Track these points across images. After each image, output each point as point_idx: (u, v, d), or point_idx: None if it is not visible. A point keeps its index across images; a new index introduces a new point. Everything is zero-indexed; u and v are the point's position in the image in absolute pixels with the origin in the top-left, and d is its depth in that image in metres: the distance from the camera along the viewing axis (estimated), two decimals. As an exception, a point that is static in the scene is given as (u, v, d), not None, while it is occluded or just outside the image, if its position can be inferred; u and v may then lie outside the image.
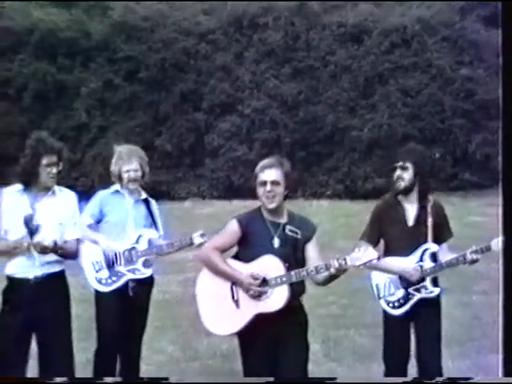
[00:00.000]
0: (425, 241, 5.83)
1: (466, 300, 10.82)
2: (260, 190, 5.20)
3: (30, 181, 5.62)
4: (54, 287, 5.69)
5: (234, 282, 5.09)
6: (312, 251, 5.24)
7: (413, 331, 5.97)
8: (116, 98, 34.51)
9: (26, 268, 5.59)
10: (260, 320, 5.03)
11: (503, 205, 4.55)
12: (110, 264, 6.40)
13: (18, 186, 5.69)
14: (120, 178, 6.66)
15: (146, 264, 6.54)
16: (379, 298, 5.95)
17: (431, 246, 5.84)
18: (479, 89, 33.34)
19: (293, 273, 5.00)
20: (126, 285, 6.55)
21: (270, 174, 5.18)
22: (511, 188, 4.57)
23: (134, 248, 6.48)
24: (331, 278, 5.04)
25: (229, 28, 35.31)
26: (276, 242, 5.15)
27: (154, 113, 34.11)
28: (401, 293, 5.84)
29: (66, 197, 5.84)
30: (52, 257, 5.60)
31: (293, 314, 5.15)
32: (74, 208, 5.91)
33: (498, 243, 5.72)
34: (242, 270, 5.09)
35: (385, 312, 5.94)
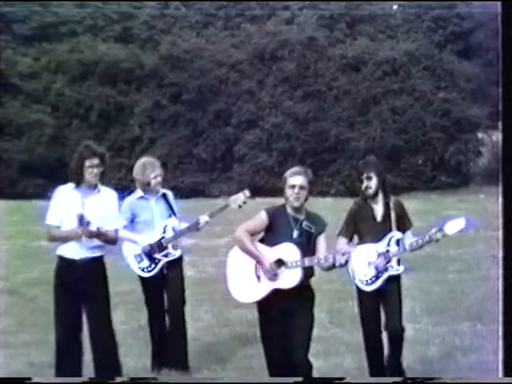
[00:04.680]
0: (390, 231, 5.81)
1: (442, 278, 10.73)
2: (288, 192, 5.16)
3: (77, 179, 5.61)
4: (96, 268, 5.65)
5: (258, 261, 5.11)
6: (322, 243, 5.24)
7: (381, 301, 5.85)
8: (163, 115, 34.58)
9: (74, 251, 5.56)
10: (276, 294, 5.03)
11: (503, 197, 4.39)
12: (148, 254, 6.44)
13: (71, 185, 5.66)
14: (148, 184, 6.60)
15: (174, 247, 6.55)
16: (354, 279, 5.89)
17: (396, 234, 5.82)
18: (453, 108, 33.21)
19: (306, 259, 5.02)
20: (161, 267, 6.51)
21: (298, 179, 5.16)
22: (510, 183, 4.40)
23: (163, 237, 6.51)
24: (333, 266, 5.07)
25: (253, 60, 35.30)
26: (295, 234, 5.15)
27: (192, 127, 34.17)
28: (373, 272, 5.80)
29: (108, 194, 5.77)
30: (95, 243, 5.59)
31: (302, 291, 5.14)
32: (115, 204, 5.83)
33: (451, 228, 5.66)
34: (267, 252, 5.10)
35: (357, 287, 5.87)
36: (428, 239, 5.68)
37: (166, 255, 6.53)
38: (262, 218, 5.21)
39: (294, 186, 5.15)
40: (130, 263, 6.51)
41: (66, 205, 5.62)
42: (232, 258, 5.28)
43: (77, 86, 35.24)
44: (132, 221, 6.61)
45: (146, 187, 6.64)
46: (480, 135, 35.66)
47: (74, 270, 5.61)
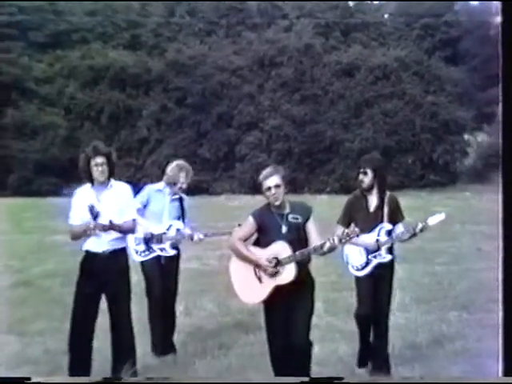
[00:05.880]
0: (382, 222, 5.85)
1: (431, 270, 10.72)
2: (267, 194, 5.14)
3: (87, 177, 5.55)
4: (118, 259, 5.59)
5: (255, 264, 5.09)
6: (311, 228, 5.18)
7: (373, 288, 5.88)
8: (169, 118, 34.60)
9: (97, 244, 5.54)
10: (279, 290, 5.02)
11: (503, 194, 4.33)
12: (146, 241, 6.53)
13: (88, 185, 5.60)
14: (174, 184, 6.64)
15: (172, 246, 6.62)
16: (347, 264, 5.94)
17: (386, 225, 5.86)
18: (441, 111, 33.24)
19: (297, 253, 4.99)
20: (159, 257, 6.61)
21: (272, 180, 5.13)
22: (509, 181, 4.33)
23: (165, 233, 6.58)
24: (326, 252, 5.05)
25: (253, 65, 35.31)
26: (283, 229, 5.10)
27: (197, 129, 34.18)
28: (363, 259, 5.84)
29: (121, 188, 5.71)
30: (114, 236, 5.53)
31: (302, 278, 5.12)
32: (128, 196, 5.76)
33: (432, 220, 5.73)
34: (261, 253, 5.08)
35: (355, 278, 5.91)
36: (413, 231, 5.75)
37: (161, 249, 6.61)
38: (250, 223, 5.18)
39: (269, 188, 5.11)
40: (128, 242, 6.57)
41: (84, 205, 5.61)
42: (233, 265, 5.27)
43: (88, 90, 35.28)
44: (145, 206, 6.67)
45: (171, 185, 6.68)
46: (466, 136, 35.68)
47: (97, 262, 5.60)
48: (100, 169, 5.56)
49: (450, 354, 6.19)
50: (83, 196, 5.66)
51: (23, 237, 14.88)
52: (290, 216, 5.16)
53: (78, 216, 5.63)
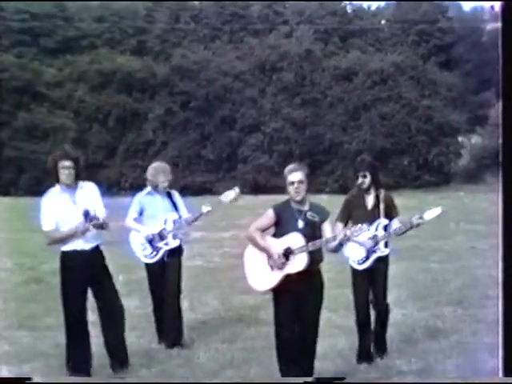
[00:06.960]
0: (379, 218, 5.90)
1: (426, 267, 10.71)
2: (289, 187, 5.20)
3: (55, 179, 5.49)
4: (95, 255, 5.58)
5: (268, 254, 5.11)
6: (327, 229, 5.23)
7: (370, 282, 5.92)
8: (174, 121, 34.59)
9: (83, 242, 5.49)
10: (288, 280, 5.03)
11: (503, 193, 4.29)
12: (150, 242, 6.60)
13: (58, 188, 5.54)
14: (157, 186, 6.75)
15: (174, 237, 6.68)
16: (348, 258, 5.99)
17: (382, 221, 5.95)
18: (436, 114, 33.23)
19: (309, 243, 5.04)
20: (162, 255, 6.66)
21: (296, 175, 5.18)
22: (510, 180, 4.29)
23: (164, 228, 6.64)
24: (338, 246, 5.08)
25: (255, 70, 35.29)
26: (300, 224, 5.14)
27: (200, 132, 34.17)
28: (363, 253, 5.90)
29: (89, 187, 5.66)
30: (94, 233, 5.48)
31: (313, 277, 5.15)
32: (97, 193, 5.71)
33: (429, 214, 5.80)
34: (276, 243, 5.12)
35: (353, 272, 5.93)
36: (409, 225, 5.82)
37: (165, 244, 6.68)
38: (269, 215, 5.23)
39: (293, 183, 5.17)
40: (135, 251, 6.70)
41: (58, 207, 5.50)
42: (248, 253, 5.30)
43: (96, 94, 35.28)
44: (141, 214, 6.77)
45: (155, 187, 6.81)
46: (460, 139, 35.67)
47: (84, 259, 5.54)
48: (67, 172, 5.47)
49: (446, 348, 6.19)
50: (55, 199, 5.54)
51: (34, 235, 14.82)
52: (308, 214, 5.22)
53: (52, 220, 5.50)
